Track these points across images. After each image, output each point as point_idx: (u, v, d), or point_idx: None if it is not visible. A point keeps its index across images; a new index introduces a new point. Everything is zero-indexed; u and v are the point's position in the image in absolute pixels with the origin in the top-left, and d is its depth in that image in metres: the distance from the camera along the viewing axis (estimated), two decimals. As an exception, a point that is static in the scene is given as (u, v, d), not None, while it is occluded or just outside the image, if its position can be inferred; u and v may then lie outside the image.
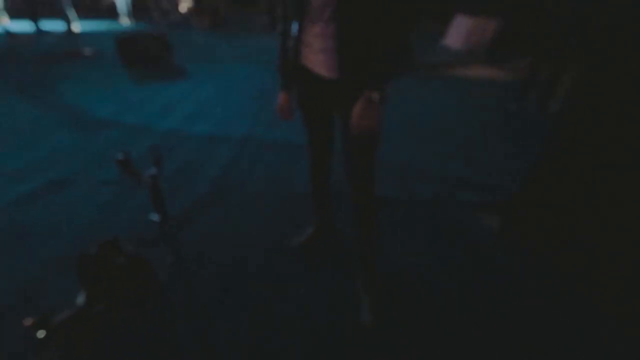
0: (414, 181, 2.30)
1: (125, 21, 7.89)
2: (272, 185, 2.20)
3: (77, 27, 6.92)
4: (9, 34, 6.17)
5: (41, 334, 1.11)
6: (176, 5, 9.82)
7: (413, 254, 1.66)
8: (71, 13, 6.85)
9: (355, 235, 1.34)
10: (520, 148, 2.83)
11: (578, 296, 1.25)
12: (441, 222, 1.90)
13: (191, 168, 2.36)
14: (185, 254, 1.60)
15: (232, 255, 1.63)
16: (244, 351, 1.20)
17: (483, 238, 1.77)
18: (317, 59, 1.07)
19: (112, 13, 8.64)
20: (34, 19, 6.36)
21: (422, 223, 1.89)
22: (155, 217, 1.68)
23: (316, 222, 1.68)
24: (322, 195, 1.59)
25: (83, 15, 7.81)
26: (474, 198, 2.11)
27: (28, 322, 1.12)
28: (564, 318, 1.18)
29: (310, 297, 1.42)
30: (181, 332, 1.25)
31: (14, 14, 7.88)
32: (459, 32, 6.90)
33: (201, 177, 2.27)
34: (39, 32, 6.59)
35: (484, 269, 1.57)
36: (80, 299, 1.21)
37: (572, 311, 1.20)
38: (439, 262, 1.61)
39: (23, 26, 6.42)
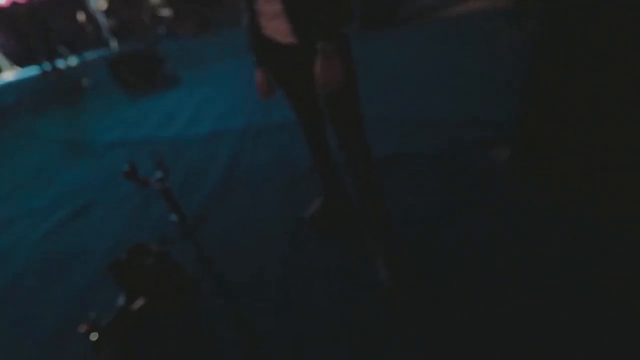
0: (418, 132, 2.25)
1: (113, 45, 8.04)
2: (278, 166, 2.23)
3: (72, 61, 7.16)
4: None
5: (94, 336, 1.23)
6: (157, 17, 9.83)
7: (423, 207, 1.64)
8: (64, 50, 7.10)
9: (359, 201, 1.31)
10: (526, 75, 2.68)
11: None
12: (449, 170, 1.86)
13: (200, 167, 2.44)
14: (208, 247, 1.68)
15: (251, 241, 1.69)
16: (277, 330, 1.25)
17: (491, 181, 1.70)
18: (273, 26, 1.06)
19: (99, 41, 8.81)
20: (45, 59, 6.58)
21: (430, 174, 1.86)
22: (173, 217, 1.77)
23: (325, 192, 1.69)
24: (325, 169, 1.57)
25: (74, 49, 8.04)
26: (482, 136, 2.04)
27: (82, 328, 1.25)
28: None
29: (333, 267, 1.44)
30: (217, 320, 1.32)
31: (18, 62, 8.34)
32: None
33: (210, 173, 2.34)
34: (44, 73, 6.86)
35: (495, 218, 1.50)
36: (121, 300, 1.32)
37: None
38: (450, 213, 1.57)
39: (27, 71, 6.71)
